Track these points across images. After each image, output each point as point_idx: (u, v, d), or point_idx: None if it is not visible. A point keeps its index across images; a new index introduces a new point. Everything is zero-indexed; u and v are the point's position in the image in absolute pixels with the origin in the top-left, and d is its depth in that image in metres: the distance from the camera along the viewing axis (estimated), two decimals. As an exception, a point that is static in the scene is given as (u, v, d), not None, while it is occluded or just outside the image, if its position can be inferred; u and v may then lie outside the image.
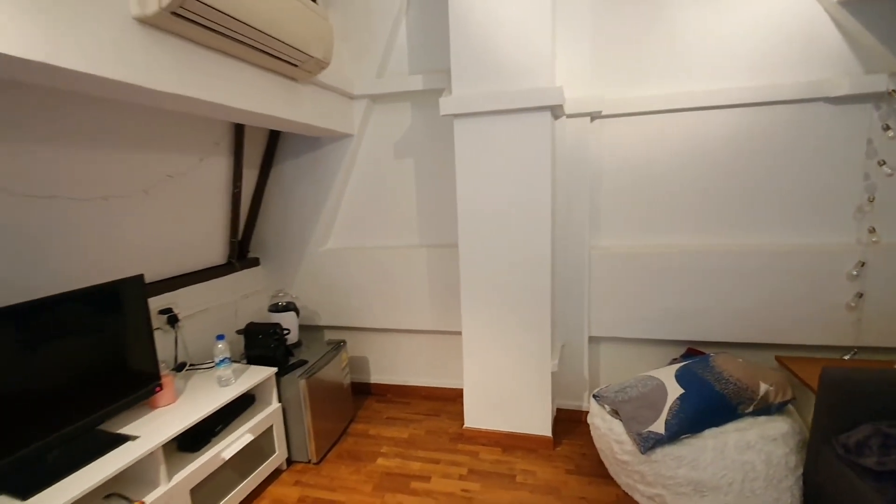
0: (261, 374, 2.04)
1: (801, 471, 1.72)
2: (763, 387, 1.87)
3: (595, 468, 2.12)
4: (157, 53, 1.33)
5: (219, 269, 2.46)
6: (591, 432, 2.04)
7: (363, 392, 2.92)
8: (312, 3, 1.94)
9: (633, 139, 2.30)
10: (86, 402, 1.54)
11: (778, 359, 2.16)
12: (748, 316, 2.23)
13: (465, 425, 2.40)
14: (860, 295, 2.09)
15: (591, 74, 2.25)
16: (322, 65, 1.99)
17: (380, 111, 2.60)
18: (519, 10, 1.95)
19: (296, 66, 1.90)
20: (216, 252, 2.49)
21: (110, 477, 1.39)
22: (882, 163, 2.01)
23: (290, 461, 2.21)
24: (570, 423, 2.48)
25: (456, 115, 2.10)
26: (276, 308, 2.41)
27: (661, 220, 2.35)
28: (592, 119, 2.28)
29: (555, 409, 2.51)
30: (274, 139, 2.61)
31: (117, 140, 1.73)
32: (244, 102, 1.70)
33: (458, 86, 2.11)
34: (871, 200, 2.07)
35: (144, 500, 1.48)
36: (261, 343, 2.16)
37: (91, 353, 1.58)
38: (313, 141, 2.63)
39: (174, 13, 1.29)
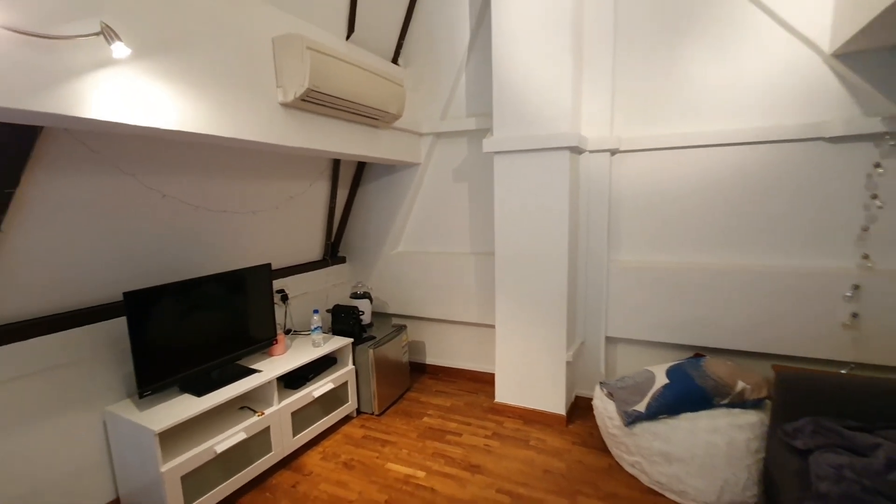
0: (341, 342, 2.78)
1: (762, 454, 2.04)
2: (740, 384, 2.20)
3: (597, 443, 2.55)
4: (291, 123, 2.10)
5: (316, 264, 3.28)
6: (594, 411, 2.50)
7: (420, 370, 3.58)
8: (394, 65, 2.65)
9: (650, 171, 2.70)
10: (231, 344, 2.36)
11: (774, 367, 2.44)
12: (750, 328, 2.52)
13: (495, 400, 2.95)
14: (855, 315, 2.31)
15: (612, 116, 2.71)
16: (396, 117, 2.70)
17: (442, 145, 3.26)
18: (545, 73, 2.49)
19: (377, 119, 2.62)
20: (315, 251, 3.31)
21: (245, 392, 2.17)
22: (874, 196, 2.24)
23: (358, 411, 2.93)
24: (586, 409, 2.90)
25: (495, 152, 2.69)
26: (355, 295, 3.16)
27: (673, 240, 2.71)
28: (612, 154, 2.74)
29: (573, 396, 2.97)
30: (361, 166, 3.39)
31: (263, 174, 2.59)
32: (341, 147, 2.44)
33: (498, 129, 2.69)
34: (865, 230, 2.29)
35: (264, 411, 2.25)
36: (343, 320, 2.91)
37: (235, 312, 2.40)
38: (390, 168, 3.36)
39: (303, 99, 2.05)
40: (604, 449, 2.50)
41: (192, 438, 2.01)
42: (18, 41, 1.21)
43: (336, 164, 3.08)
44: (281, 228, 2.87)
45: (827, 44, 2.23)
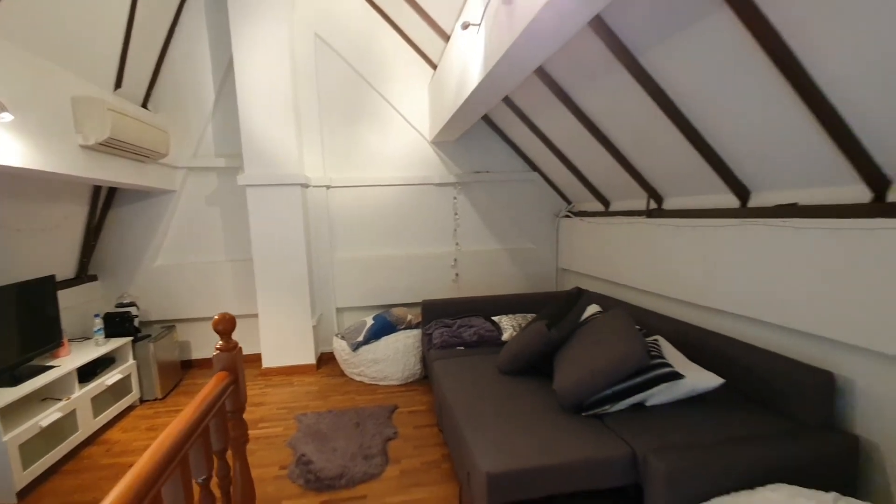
0: (122, 341, 3.29)
1: (421, 348, 3.89)
2: (409, 317, 4.04)
3: (337, 373, 3.98)
4: (88, 160, 2.72)
5: (72, 281, 3.53)
6: (333, 351, 3.92)
7: (188, 367, 4.19)
8: (146, 110, 3.39)
9: (353, 200, 4.34)
10: (27, 347, 2.67)
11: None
12: (412, 288, 4.46)
13: (263, 366, 3.99)
14: (457, 275, 4.53)
15: (323, 164, 4.22)
16: (163, 155, 3.46)
17: (194, 176, 4.07)
18: (280, 133, 3.79)
19: (148, 157, 3.33)
20: (71, 269, 3.55)
21: (50, 381, 2.60)
22: (456, 213, 4.51)
23: (143, 400, 3.45)
24: (329, 360, 4.27)
25: (247, 185, 3.79)
26: (121, 305, 3.60)
27: (370, 241, 4.41)
28: (328, 188, 4.26)
29: (319, 352, 4.31)
30: (112, 191, 3.81)
31: (49, 197, 2.93)
32: (120, 178, 3.09)
33: (248, 168, 3.80)
34: (456, 230, 4.54)
35: (70, 396, 2.71)
36: (118, 324, 3.38)
37: (29, 317, 2.71)
38: (144, 193, 3.92)
39: (101, 144, 2.72)
40: (342, 374, 3.95)
41: (15, 421, 2.38)
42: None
43: (97, 188, 3.49)
44: (59, 245, 3.15)
45: (428, 135, 4.37)
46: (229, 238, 4.19)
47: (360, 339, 3.79)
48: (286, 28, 3.73)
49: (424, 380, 3.82)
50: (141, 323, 3.78)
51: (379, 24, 4.17)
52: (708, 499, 1.71)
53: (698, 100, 2.16)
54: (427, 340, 3.53)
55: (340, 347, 3.86)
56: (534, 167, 4.50)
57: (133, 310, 3.59)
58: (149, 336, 3.51)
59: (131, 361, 3.35)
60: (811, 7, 1.50)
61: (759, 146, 2.08)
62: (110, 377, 3.07)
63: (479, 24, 2.37)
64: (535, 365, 2.63)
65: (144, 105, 3.77)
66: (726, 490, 1.71)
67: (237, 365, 1.62)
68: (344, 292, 4.37)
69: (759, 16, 1.62)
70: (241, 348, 1.66)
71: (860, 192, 1.81)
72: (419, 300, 4.40)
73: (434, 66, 4.11)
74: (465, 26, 2.41)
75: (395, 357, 3.76)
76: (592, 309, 3.05)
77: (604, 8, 1.91)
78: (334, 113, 4.23)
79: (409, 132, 4.35)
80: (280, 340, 3.99)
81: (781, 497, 1.62)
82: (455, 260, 4.51)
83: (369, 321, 3.96)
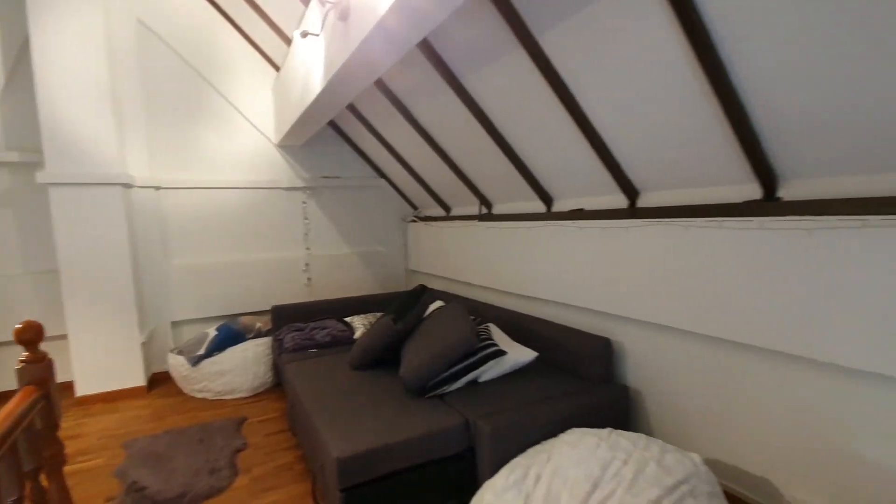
0: None
1: (271, 355, 3.78)
2: (258, 325, 3.90)
3: (175, 392, 3.64)
4: None
5: None
6: (169, 369, 3.59)
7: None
8: None
9: (191, 202, 4.01)
10: None
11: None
12: (261, 295, 4.29)
13: (77, 394, 3.44)
14: (309, 279, 4.50)
15: (150, 163, 3.83)
16: (-77, 147, 2.80)
17: (-28, 174, 3.35)
18: (95, 129, 3.33)
19: None
20: None
21: None
22: (306, 218, 4.49)
23: None
24: (164, 379, 3.86)
25: (51, 184, 3.26)
26: None
27: (212, 247, 4.13)
28: (157, 189, 3.87)
29: (151, 371, 3.88)
30: None
31: None
32: None
33: (51, 163, 3.26)
34: (306, 234, 4.51)
35: None
36: None
37: None
38: None
39: None
40: (180, 393, 3.62)
41: None
42: None
43: None
44: None
45: (274, 138, 4.28)
46: (28, 246, 3.54)
47: (202, 352, 3.55)
48: (98, 8, 3.31)
49: (276, 387, 3.73)
50: None
51: (216, 19, 3.95)
52: (524, 449, 2.08)
53: (509, 121, 2.59)
54: (278, 346, 3.47)
55: (178, 364, 3.55)
56: (381, 174, 4.72)
57: None
58: None
59: None
60: (579, 58, 1.96)
61: (554, 162, 2.59)
62: None
63: (319, 35, 2.48)
64: (384, 358, 2.81)
65: None
66: (536, 440, 2.10)
67: (48, 378, 1.47)
68: (182, 303, 4.02)
69: (545, 58, 2.05)
70: (52, 360, 1.52)
71: (620, 200, 2.39)
72: (270, 306, 4.28)
73: (277, 68, 4.05)
74: (304, 35, 2.50)
75: (243, 367, 3.60)
76: (436, 304, 3.36)
77: (429, 34, 2.19)
78: (164, 108, 3.87)
79: (253, 134, 4.21)
80: (99, 363, 3.50)
81: (574, 437, 2.05)
82: (307, 264, 4.49)
83: (212, 332, 3.72)
